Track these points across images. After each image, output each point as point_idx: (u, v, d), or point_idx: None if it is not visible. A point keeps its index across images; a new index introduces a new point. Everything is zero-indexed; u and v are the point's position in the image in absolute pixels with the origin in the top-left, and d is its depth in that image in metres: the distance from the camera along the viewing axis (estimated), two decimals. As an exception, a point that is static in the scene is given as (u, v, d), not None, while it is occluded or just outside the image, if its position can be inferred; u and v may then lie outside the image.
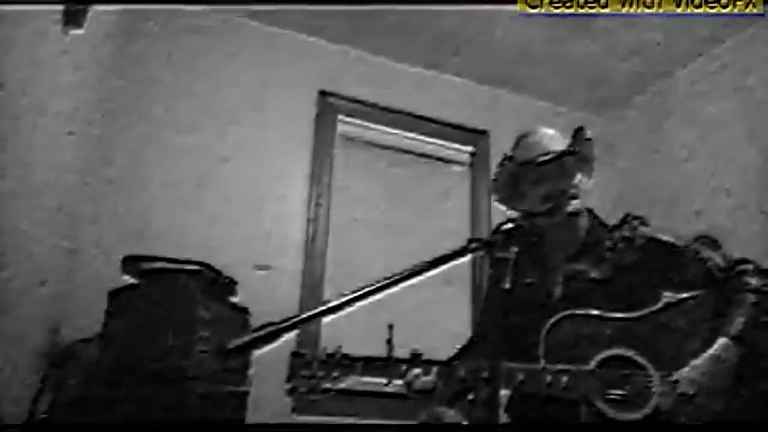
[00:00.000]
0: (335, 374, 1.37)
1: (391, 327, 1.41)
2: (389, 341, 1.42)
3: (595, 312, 1.47)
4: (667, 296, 1.48)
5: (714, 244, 1.58)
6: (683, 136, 3.23)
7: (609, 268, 1.59)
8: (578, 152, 1.64)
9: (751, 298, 1.43)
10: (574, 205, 1.63)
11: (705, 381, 1.36)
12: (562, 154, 1.62)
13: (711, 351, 1.38)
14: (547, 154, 1.63)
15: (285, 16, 3.08)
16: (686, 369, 1.38)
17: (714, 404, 1.36)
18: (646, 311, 1.47)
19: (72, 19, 1.89)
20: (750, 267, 1.49)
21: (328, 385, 1.36)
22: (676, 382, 1.37)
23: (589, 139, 1.68)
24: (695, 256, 1.54)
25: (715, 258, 1.53)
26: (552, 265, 1.67)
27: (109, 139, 2.65)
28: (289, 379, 1.36)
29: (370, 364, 1.40)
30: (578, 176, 1.65)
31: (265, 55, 3.11)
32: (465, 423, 1.53)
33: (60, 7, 1.84)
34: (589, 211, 1.70)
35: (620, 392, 1.37)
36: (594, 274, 1.59)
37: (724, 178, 2.95)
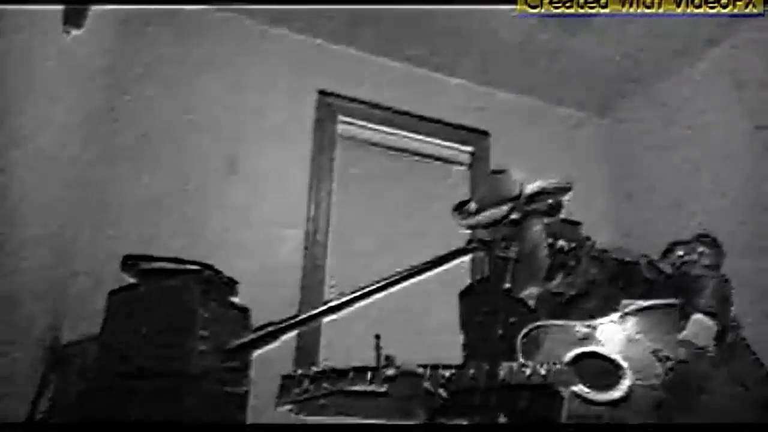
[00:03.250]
0: (325, 385, 1.41)
1: (378, 337, 1.45)
2: (377, 349, 1.45)
3: (561, 322, 1.56)
4: (626, 304, 1.58)
5: (713, 243, 1.60)
6: (683, 136, 3.23)
7: (578, 284, 1.68)
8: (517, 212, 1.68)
9: (713, 281, 1.54)
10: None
11: (695, 348, 1.46)
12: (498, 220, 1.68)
13: (693, 327, 1.49)
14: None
15: (285, 16, 3.09)
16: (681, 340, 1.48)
17: (704, 367, 1.45)
18: (606, 320, 1.55)
19: (72, 19, 1.89)
20: (700, 250, 1.61)
21: (322, 401, 1.41)
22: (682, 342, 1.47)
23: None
24: (648, 265, 1.66)
25: (664, 263, 1.65)
26: (520, 292, 1.71)
27: (109, 140, 2.65)
28: (279, 399, 1.41)
29: (359, 374, 1.43)
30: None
31: (265, 55, 3.11)
32: (465, 423, 1.55)
33: (60, 7, 1.84)
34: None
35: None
36: (564, 291, 1.68)
37: (723, 177, 2.95)
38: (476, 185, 1.84)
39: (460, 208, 1.78)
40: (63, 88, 2.05)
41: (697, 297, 1.53)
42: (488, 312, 1.73)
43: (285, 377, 1.42)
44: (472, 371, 1.45)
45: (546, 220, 1.74)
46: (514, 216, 1.56)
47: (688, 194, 3.10)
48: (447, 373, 1.44)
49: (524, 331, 1.54)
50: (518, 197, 1.67)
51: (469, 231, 1.76)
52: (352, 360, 1.45)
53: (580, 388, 1.43)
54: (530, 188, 1.69)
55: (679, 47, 3.11)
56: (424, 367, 1.44)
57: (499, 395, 1.57)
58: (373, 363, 1.46)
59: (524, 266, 1.70)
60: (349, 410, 1.46)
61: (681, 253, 1.65)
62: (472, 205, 1.74)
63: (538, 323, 1.56)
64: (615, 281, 1.67)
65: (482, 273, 1.94)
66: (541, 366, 1.45)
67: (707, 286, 1.54)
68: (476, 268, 3.14)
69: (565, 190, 1.73)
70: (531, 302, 1.69)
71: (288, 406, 1.42)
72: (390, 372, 1.44)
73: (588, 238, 1.79)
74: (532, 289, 1.71)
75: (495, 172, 1.82)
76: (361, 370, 1.44)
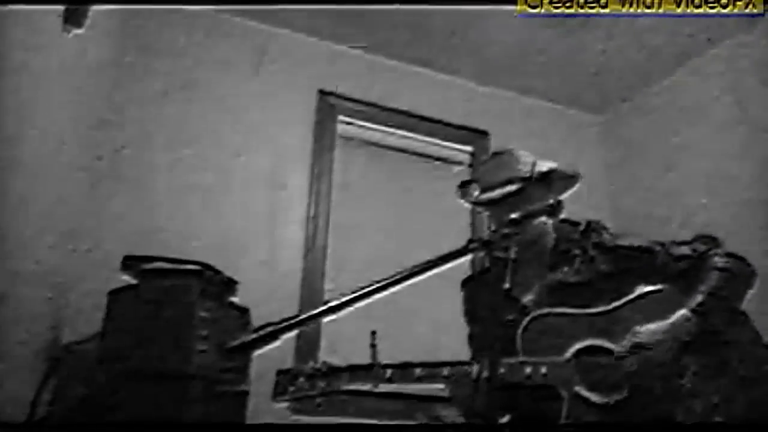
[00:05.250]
0: (322, 384, 1.42)
1: (374, 333, 1.44)
2: (373, 346, 1.45)
3: (568, 310, 1.52)
4: (639, 290, 1.53)
5: (713, 242, 1.59)
6: (682, 136, 3.23)
7: (586, 272, 1.62)
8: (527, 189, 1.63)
9: (716, 275, 1.49)
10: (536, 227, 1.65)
11: (660, 337, 1.43)
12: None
13: (670, 319, 1.45)
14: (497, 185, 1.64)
15: (285, 16, 3.09)
16: (648, 326, 1.45)
17: (663, 357, 1.42)
18: (615, 305, 1.52)
19: (72, 19, 1.89)
20: (718, 251, 1.54)
21: (318, 400, 1.42)
22: (636, 333, 1.44)
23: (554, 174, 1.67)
24: (666, 251, 1.59)
25: (683, 250, 1.58)
26: (524, 282, 1.67)
27: (108, 141, 2.65)
28: (275, 395, 1.42)
29: (355, 372, 1.44)
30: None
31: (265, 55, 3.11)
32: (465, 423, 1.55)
33: (60, 7, 1.84)
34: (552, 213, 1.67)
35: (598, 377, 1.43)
36: (572, 279, 1.62)
37: (722, 177, 2.95)
38: (478, 167, 1.78)
39: (465, 186, 1.71)
40: (63, 87, 2.05)
41: (701, 289, 1.47)
42: (490, 306, 1.72)
43: (280, 372, 1.43)
44: (469, 369, 1.44)
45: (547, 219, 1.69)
46: (515, 216, 1.53)
47: (688, 194, 3.10)
48: (445, 372, 1.44)
49: (525, 321, 1.51)
50: (530, 176, 1.62)
51: (477, 207, 1.72)
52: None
53: (582, 390, 1.41)
54: (544, 167, 1.65)
55: (679, 47, 3.11)
56: (421, 365, 1.44)
57: (500, 395, 1.56)
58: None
59: (527, 265, 1.66)
60: (345, 411, 1.47)
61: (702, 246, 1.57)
62: (474, 186, 1.68)
63: (540, 312, 1.53)
64: (626, 270, 1.60)
65: (483, 267, 1.89)
66: (543, 365, 1.43)
67: (714, 278, 1.48)
68: (476, 268, 3.15)
69: (575, 178, 1.69)
70: (530, 304, 1.64)
71: (284, 404, 1.42)
72: (387, 374, 1.43)
73: (596, 225, 1.70)
74: (536, 287, 1.66)
75: (497, 153, 1.76)
76: (356, 369, 1.44)
